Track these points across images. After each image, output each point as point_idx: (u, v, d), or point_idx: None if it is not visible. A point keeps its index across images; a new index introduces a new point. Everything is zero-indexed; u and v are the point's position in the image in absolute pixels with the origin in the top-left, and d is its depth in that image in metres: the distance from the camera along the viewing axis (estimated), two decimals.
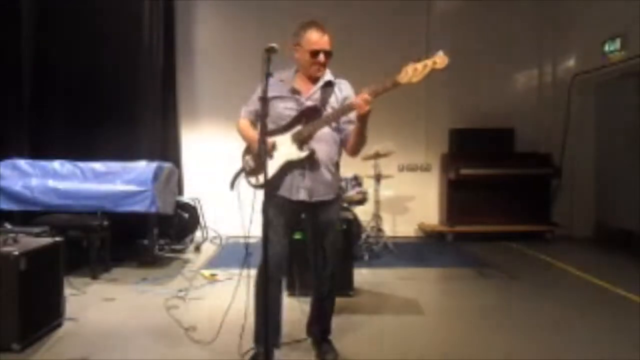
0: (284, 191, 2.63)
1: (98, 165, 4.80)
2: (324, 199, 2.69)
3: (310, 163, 2.62)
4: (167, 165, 5.10)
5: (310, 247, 2.86)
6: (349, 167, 5.78)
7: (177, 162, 6.23)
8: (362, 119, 2.51)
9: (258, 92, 2.72)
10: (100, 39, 5.51)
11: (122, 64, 5.66)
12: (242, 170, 2.80)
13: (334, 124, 2.65)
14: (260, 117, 2.47)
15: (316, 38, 2.59)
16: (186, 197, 6.14)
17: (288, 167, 2.59)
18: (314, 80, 2.68)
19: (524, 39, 6.97)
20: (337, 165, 2.79)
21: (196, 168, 6.70)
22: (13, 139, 5.02)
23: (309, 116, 2.60)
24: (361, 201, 5.49)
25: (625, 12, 5.76)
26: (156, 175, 4.71)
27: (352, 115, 2.56)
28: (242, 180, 2.79)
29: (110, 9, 5.54)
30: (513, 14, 6.91)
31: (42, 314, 3.10)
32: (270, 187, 2.57)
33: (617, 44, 5.92)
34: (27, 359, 2.82)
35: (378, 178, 5.79)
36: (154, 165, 4.82)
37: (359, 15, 6.69)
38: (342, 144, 2.74)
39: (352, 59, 5.59)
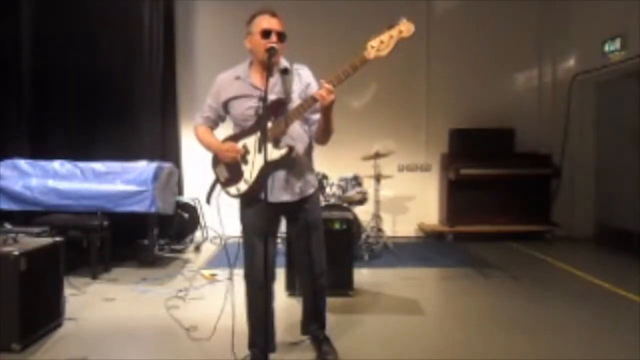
0: (263, 195, 2.43)
1: (98, 165, 4.80)
2: (304, 196, 2.60)
3: (288, 160, 2.49)
4: (167, 165, 5.10)
5: (295, 248, 2.80)
6: (349, 167, 5.83)
7: (177, 162, 6.23)
8: (326, 110, 2.37)
9: (213, 95, 2.66)
10: (100, 39, 5.53)
11: (122, 64, 5.67)
12: (217, 182, 2.67)
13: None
14: (261, 118, 2.41)
15: (266, 20, 2.48)
16: (186, 197, 6.14)
17: (267, 168, 2.37)
18: (269, 69, 2.47)
19: (524, 39, 6.96)
20: (311, 157, 2.68)
21: (196, 168, 6.70)
22: (13, 139, 5.02)
23: (276, 110, 2.45)
24: (361, 201, 5.51)
25: (625, 12, 5.76)
26: (156, 175, 4.72)
27: (318, 103, 2.38)
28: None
29: (110, 10, 5.55)
30: (513, 14, 6.91)
31: (42, 314, 3.10)
32: (254, 193, 2.49)
33: (617, 44, 5.92)
34: (27, 359, 2.82)
35: (378, 178, 5.79)
36: (154, 165, 4.83)
37: (360, 15, 6.66)
38: (310, 133, 2.62)
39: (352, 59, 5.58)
